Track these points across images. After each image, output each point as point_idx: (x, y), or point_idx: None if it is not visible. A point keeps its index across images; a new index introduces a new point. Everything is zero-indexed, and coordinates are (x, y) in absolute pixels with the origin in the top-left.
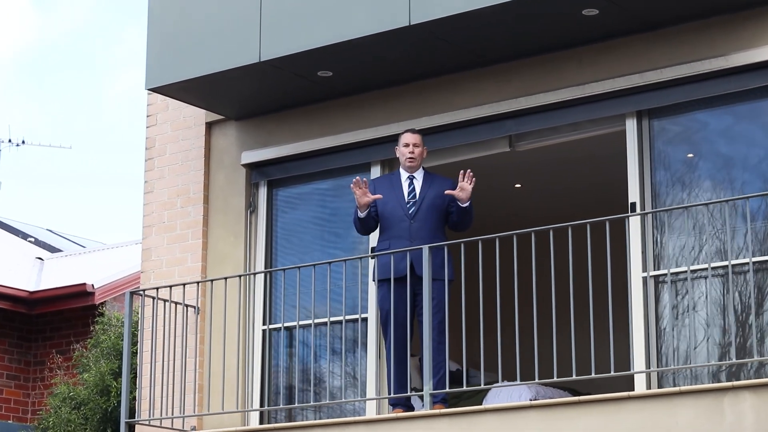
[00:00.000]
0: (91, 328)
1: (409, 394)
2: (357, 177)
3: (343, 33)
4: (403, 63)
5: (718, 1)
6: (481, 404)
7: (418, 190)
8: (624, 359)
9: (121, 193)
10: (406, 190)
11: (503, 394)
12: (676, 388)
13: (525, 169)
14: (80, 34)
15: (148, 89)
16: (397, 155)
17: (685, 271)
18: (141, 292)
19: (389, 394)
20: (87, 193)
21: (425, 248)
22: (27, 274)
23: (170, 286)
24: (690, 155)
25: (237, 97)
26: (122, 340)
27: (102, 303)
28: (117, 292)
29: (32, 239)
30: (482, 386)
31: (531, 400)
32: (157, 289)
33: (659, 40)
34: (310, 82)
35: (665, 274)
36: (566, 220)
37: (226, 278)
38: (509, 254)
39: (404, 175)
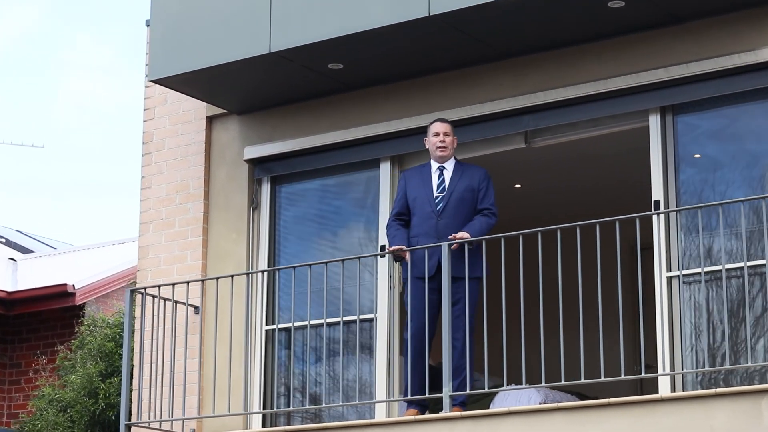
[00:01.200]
0: (76, 329)
1: (427, 396)
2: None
3: (359, 24)
4: (418, 56)
5: None
6: (488, 408)
7: (447, 183)
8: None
9: (83, 198)
10: (435, 182)
11: (511, 397)
12: (712, 390)
13: (539, 167)
14: (30, 40)
15: (151, 81)
16: (427, 146)
17: (711, 272)
18: (142, 290)
19: (405, 394)
20: (48, 196)
21: (444, 245)
22: (1, 274)
23: (173, 284)
24: (696, 155)
25: (242, 90)
26: (109, 341)
27: (83, 304)
28: (99, 293)
29: (3, 240)
30: (504, 388)
31: (540, 403)
32: (159, 287)
33: (686, 33)
34: (319, 75)
35: (689, 274)
36: (574, 219)
37: (232, 276)
38: (515, 255)
39: (434, 166)
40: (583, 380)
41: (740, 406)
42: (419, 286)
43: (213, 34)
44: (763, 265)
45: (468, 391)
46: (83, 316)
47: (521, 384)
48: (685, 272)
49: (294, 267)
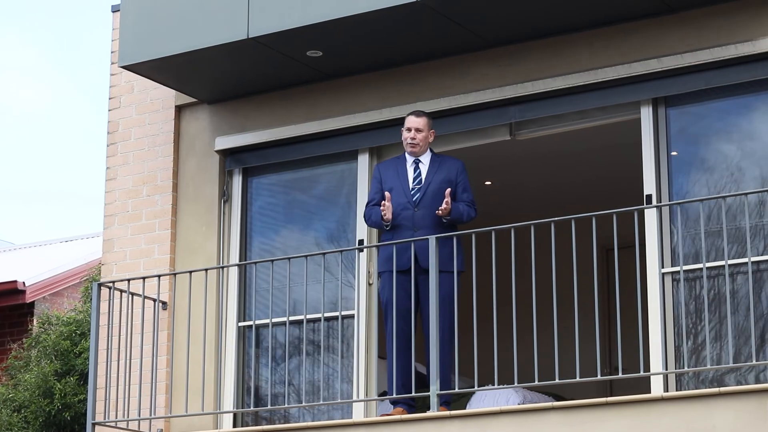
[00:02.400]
0: (29, 327)
1: (414, 394)
2: (386, 198)
3: (341, 9)
4: (400, 44)
5: None
6: (465, 409)
7: (423, 175)
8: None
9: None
10: (411, 175)
11: (488, 398)
12: (715, 389)
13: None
14: None
15: (121, 67)
16: (402, 139)
17: (704, 268)
18: (110, 284)
19: (390, 393)
20: None
21: (432, 239)
22: None
23: (143, 278)
24: (674, 153)
25: (214, 78)
26: (65, 339)
27: (33, 302)
28: (50, 290)
29: None
30: (492, 387)
31: (519, 404)
32: (129, 280)
33: (680, 23)
34: (296, 63)
35: (679, 272)
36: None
37: (206, 270)
38: (490, 252)
39: (410, 159)
40: (581, 378)
41: (744, 406)
42: (396, 280)
43: (188, 18)
44: (763, 261)
45: (456, 390)
46: (33, 315)
47: (495, 384)
48: (676, 269)
49: (272, 260)
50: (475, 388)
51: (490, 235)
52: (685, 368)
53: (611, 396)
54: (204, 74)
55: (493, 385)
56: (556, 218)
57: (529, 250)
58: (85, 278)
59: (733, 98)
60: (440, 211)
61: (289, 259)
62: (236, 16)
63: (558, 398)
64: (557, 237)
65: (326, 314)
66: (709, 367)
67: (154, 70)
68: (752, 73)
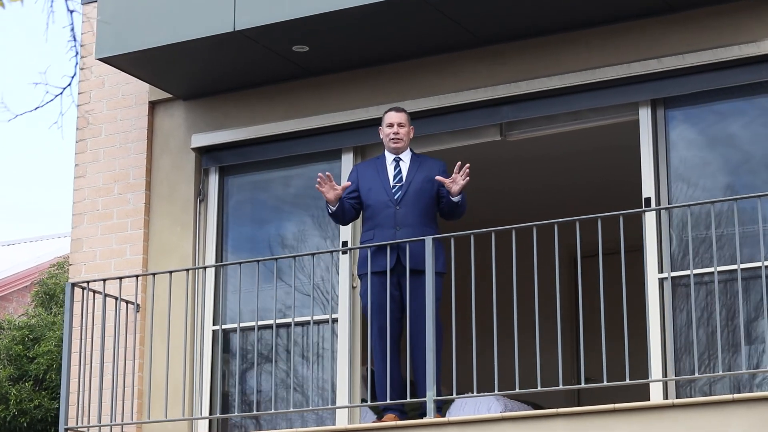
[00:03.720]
0: None
1: (409, 400)
2: (320, 173)
3: (333, 3)
4: (391, 40)
5: None
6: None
7: (404, 173)
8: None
9: None
10: (391, 173)
11: (469, 406)
12: (728, 396)
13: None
14: None
15: (99, 59)
16: (381, 137)
17: (704, 273)
18: (84, 285)
19: (379, 398)
20: None
21: (428, 239)
22: None
23: (119, 278)
24: (688, 151)
25: (192, 73)
26: (17, 344)
27: None
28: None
29: None
30: (493, 393)
31: (501, 412)
32: (105, 281)
33: (682, 22)
34: (281, 58)
35: (680, 276)
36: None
37: (187, 270)
38: (470, 256)
39: (389, 157)
40: (583, 384)
41: (759, 413)
42: (379, 281)
43: (171, 10)
44: (758, 267)
45: (454, 396)
46: None
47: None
48: (675, 274)
49: (258, 261)
50: (474, 393)
51: (484, 238)
52: (696, 374)
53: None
54: (182, 69)
55: (472, 392)
56: (537, 222)
57: (529, 253)
58: (35, 281)
59: (734, 100)
60: (456, 184)
61: (276, 260)
62: (222, 9)
63: (536, 407)
64: (539, 242)
65: (307, 318)
66: (718, 373)
67: (132, 63)
68: (756, 75)
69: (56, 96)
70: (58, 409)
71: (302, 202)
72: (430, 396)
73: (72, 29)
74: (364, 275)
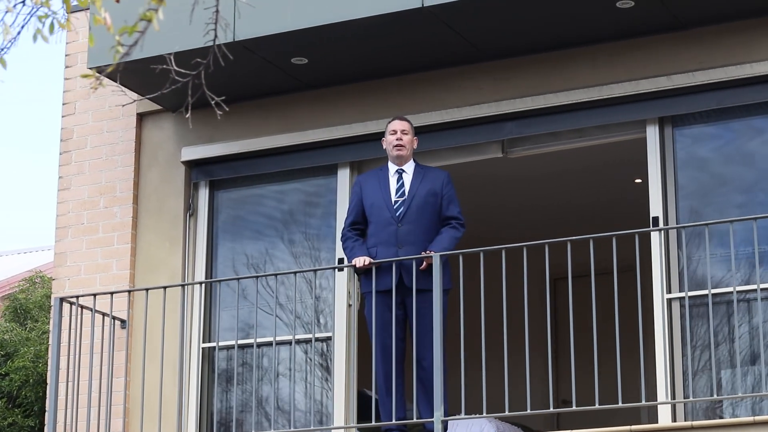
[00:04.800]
0: None
1: (417, 420)
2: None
3: (337, 14)
4: (393, 53)
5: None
6: None
7: (407, 187)
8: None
9: None
10: (393, 186)
11: (460, 428)
12: (750, 419)
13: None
14: None
15: (91, 68)
16: (384, 147)
17: (717, 294)
18: (73, 300)
19: (383, 418)
20: None
21: (436, 256)
22: None
23: (111, 293)
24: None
25: (184, 85)
26: None
27: None
28: None
29: None
30: (496, 414)
31: None
32: (95, 295)
33: (691, 40)
34: (278, 70)
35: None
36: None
37: (183, 285)
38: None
39: (392, 169)
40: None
41: None
42: (383, 300)
43: (166, 20)
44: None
45: (463, 415)
46: None
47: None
48: (682, 295)
49: (256, 278)
50: (484, 414)
51: (477, 257)
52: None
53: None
54: (174, 81)
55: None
56: (532, 242)
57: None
58: (3, 295)
59: (743, 119)
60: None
61: (275, 276)
62: (221, 19)
63: (525, 429)
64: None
65: (304, 336)
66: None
67: (125, 73)
68: (766, 94)
69: None
70: (32, 427)
71: (295, 218)
72: (438, 416)
73: None
74: (369, 293)
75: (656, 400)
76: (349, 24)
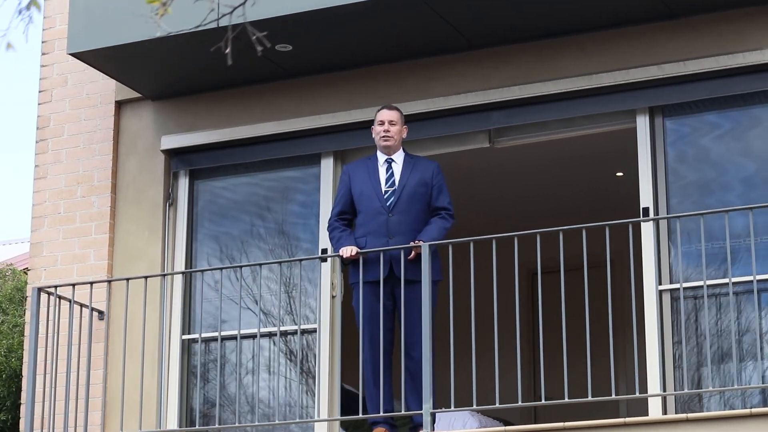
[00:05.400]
0: None
1: (405, 413)
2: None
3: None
4: (380, 40)
5: None
6: None
7: (397, 177)
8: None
9: None
10: (383, 176)
11: (443, 422)
12: (746, 411)
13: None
14: None
15: (70, 54)
16: (373, 136)
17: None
18: (51, 290)
19: (370, 411)
20: None
21: (425, 246)
22: None
23: (90, 283)
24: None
25: (164, 72)
26: None
27: None
28: None
29: None
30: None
31: (477, 428)
32: (74, 285)
33: (683, 29)
34: (261, 58)
35: (678, 289)
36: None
37: (164, 275)
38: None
39: (381, 158)
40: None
41: None
42: (372, 291)
43: (147, 4)
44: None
45: (453, 408)
46: None
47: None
48: (673, 286)
49: (238, 267)
50: (474, 405)
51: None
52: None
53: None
54: (154, 67)
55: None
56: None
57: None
58: None
59: (735, 109)
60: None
61: (260, 265)
62: (205, 3)
63: (506, 423)
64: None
65: (286, 328)
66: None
67: (104, 59)
68: (760, 84)
69: None
70: (4, 421)
71: (277, 209)
72: (427, 408)
73: None
74: (356, 284)
75: (634, 393)
76: (334, 10)
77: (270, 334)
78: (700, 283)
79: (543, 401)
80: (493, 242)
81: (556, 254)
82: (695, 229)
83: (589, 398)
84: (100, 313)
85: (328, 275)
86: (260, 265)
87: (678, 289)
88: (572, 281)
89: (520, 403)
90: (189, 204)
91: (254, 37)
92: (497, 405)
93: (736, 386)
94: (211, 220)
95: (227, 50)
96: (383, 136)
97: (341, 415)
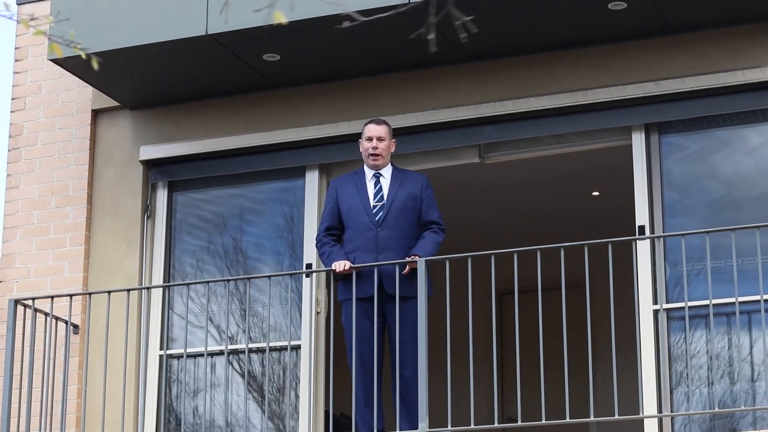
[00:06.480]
0: None
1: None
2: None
3: (312, 10)
4: (370, 52)
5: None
6: None
7: (386, 191)
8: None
9: None
10: (372, 191)
11: None
12: None
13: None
14: None
15: (50, 60)
16: (360, 151)
17: (701, 306)
18: (29, 303)
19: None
20: None
21: (421, 261)
22: None
23: (70, 295)
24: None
25: (143, 81)
26: None
27: None
28: None
29: None
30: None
31: None
32: (52, 297)
33: (682, 45)
34: (247, 67)
35: (675, 309)
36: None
37: (149, 288)
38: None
39: (369, 173)
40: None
41: None
42: (362, 308)
43: (133, 11)
44: (756, 301)
45: (450, 428)
46: None
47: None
48: (668, 306)
49: (225, 281)
50: (472, 425)
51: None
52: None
53: None
54: (134, 75)
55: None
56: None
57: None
58: None
59: (731, 128)
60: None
61: (223, 281)
62: (194, 11)
63: None
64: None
65: (270, 344)
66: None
67: (82, 66)
68: (759, 102)
69: None
70: None
71: (259, 221)
72: (422, 428)
73: None
74: (347, 301)
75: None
76: (323, 20)
77: (236, 352)
78: (695, 303)
79: (519, 423)
80: (469, 260)
81: (535, 273)
82: (691, 248)
83: (567, 419)
84: (75, 327)
85: (312, 291)
86: (248, 279)
87: (671, 309)
88: (547, 301)
89: (496, 424)
90: (168, 216)
91: (458, 23)
92: (492, 425)
93: (717, 409)
94: (190, 233)
95: (431, 36)
96: (371, 154)
97: None
